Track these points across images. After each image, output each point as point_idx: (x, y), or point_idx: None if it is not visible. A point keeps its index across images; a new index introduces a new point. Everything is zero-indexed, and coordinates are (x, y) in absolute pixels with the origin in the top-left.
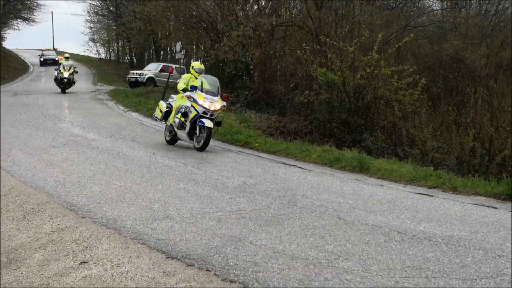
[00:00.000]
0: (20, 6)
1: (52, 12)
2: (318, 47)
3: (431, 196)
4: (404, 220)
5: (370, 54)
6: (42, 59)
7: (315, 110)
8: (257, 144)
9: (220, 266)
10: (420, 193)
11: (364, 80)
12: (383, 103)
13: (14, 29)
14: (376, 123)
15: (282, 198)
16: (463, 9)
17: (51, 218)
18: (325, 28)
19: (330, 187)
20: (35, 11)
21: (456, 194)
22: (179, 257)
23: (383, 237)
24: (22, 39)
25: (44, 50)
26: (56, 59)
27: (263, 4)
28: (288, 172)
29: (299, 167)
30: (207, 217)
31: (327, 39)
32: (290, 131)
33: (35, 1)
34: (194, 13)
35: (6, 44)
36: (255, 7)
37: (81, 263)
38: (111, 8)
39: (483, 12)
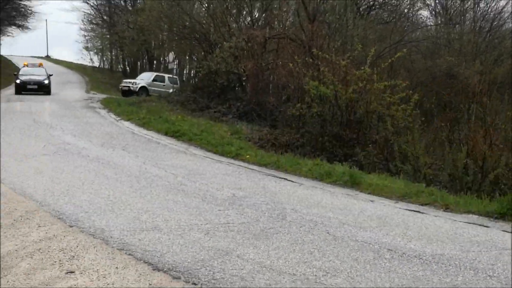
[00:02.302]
0: (15, 13)
1: (46, 20)
2: (311, 60)
3: (423, 213)
4: (394, 237)
5: (363, 68)
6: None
7: (307, 123)
8: (248, 156)
9: (206, 279)
10: (412, 210)
11: (357, 94)
12: (376, 117)
13: (8, 35)
14: (368, 138)
15: (272, 211)
16: (457, 26)
17: (39, 226)
18: (318, 41)
19: (320, 201)
20: (29, 18)
21: (448, 211)
22: (165, 269)
23: (373, 254)
24: (16, 46)
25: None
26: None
27: (256, 16)
28: (279, 185)
29: (289, 180)
30: (195, 229)
31: (320, 52)
32: (282, 143)
33: (29, 9)
34: (187, 24)
35: (0, 51)
36: (248, 19)
37: (67, 273)
38: (105, 17)
39: (477, 29)
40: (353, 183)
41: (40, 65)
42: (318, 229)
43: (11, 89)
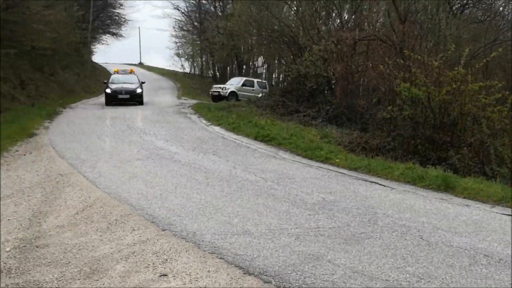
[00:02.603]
0: (109, 21)
1: (139, 28)
2: (402, 61)
3: None
4: (491, 243)
5: (456, 69)
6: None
7: (398, 126)
8: (337, 160)
9: (297, 284)
10: (509, 215)
11: (450, 96)
12: (470, 119)
13: (103, 44)
14: (462, 140)
15: (363, 216)
16: None
17: (133, 230)
18: (409, 42)
19: (412, 205)
20: (123, 26)
21: None
22: (256, 273)
23: (468, 260)
24: (110, 53)
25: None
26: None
27: (345, 18)
28: (369, 189)
29: (380, 185)
30: (285, 234)
31: (411, 53)
32: (372, 147)
33: (123, 17)
34: (276, 27)
35: (95, 59)
36: (338, 21)
37: (160, 276)
38: (195, 24)
39: None
40: (447, 187)
41: (132, 71)
42: (411, 234)
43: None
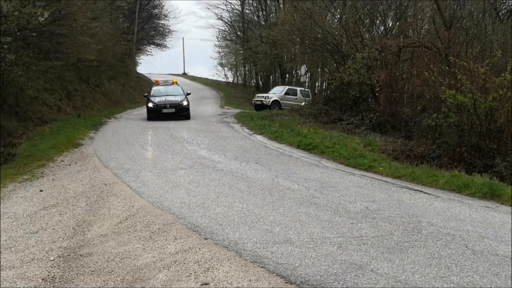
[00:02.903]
0: (153, 32)
1: (183, 38)
2: (447, 68)
3: None
4: None
5: (503, 75)
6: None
7: (443, 134)
8: (381, 168)
9: None
10: None
11: (497, 103)
12: None
13: (147, 55)
14: (509, 148)
15: (406, 224)
16: None
17: (175, 238)
18: (455, 48)
19: (458, 214)
20: (167, 37)
21: None
22: (298, 282)
23: None
24: (155, 64)
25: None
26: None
27: (390, 25)
28: (413, 197)
29: (425, 193)
30: (328, 243)
31: (457, 60)
32: (417, 155)
33: (167, 28)
34: (319, 36)
35: (140, 69)
36: (382, 28)
37: (202, 285)
38: (239, 33)
39: None
40: (493, 195)
41: (174, 82)
42: (456, 243)
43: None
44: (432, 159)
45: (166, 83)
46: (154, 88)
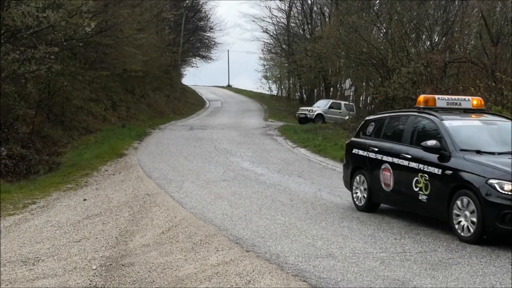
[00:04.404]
0: (199, 44)
1: (228, 50)
2: (494, 84)
3: None
4: None
5: None
6: None
7: None
8: None
9: None
10: None
11: None
12: None
13: (192, 66)
14: None
15: (450, 241)
16: None
17: (217, 250)
18: (501, 64)
19: None
20: (212, 49)
21: None
22: None
23: None
24: (200, 76)
25: None
26: None
27: (436, 40)
28: None
29: None
30: (370, 258)
31: (503, 76)
32: None
33: (213, 40)
34: (364, 49)
35: (185, 81)
36: (428, 43)
37: None
38: (284, 46)
39: None
40: None
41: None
42: (501, 260)
43: (194, 117)
44: None
45: None
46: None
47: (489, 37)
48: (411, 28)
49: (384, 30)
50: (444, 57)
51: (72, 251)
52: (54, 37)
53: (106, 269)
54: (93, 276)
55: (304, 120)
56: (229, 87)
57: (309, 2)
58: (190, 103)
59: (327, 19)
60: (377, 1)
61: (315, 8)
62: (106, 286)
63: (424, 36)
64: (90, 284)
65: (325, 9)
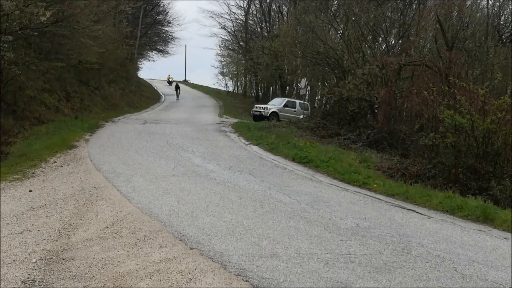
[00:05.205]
0: (156, 38)
1: (186, 45)
2: (447, 88)
3: None
4: None
5: (502, 98)
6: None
7: (440, 154)
8: (375, 185)
9: None
10: None
11: (495, 125)
12: None
13: (149, 60)
14: (505, 171)
15: (396, 244)
16: None
17: (160, 247)
18: (455, 69)
19: (449, 236)
20: (169, 43)
21: None
22: None
23: None
24: (156, 70)
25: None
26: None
27: (392, 42)
28: (406, 217)
29: (418, 213)
30: (315, 259)
31: (457, 81)
32: (412, 174)
33: (170, 34)
34: (321, 49)
35: (141, 74)
36: (384, 45)
37: None
38: (241, 43)
39: None
40: (486, 219)
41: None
42: (445, 265)
43: (149, 111)
44: (427, 178)
45: None
46: None
47: (444, 42)
48: (368, 30)
49: (341, 31)
50: (400, 60)
51: (13, 243)
52: (8, 25)
53: (46, 263)
54: (32, 270)
55: (259, 117)
56: (186, 81)
57: (268, 0)
58: (146, 96)
59: (285, 18)
60: (335, 2)
61: (273, 7)
62: (44, 280)
63: (380, 39)
64: (28, 278)
65: (283, 7)
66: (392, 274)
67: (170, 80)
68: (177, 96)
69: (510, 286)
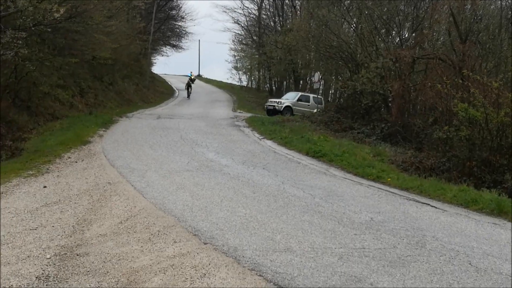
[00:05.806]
0: (170, 33)
1: (199, 40)
2: (461, 81)
3: None
4: None
5: None
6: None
7: (454, 147)
8: (389, 179)
9: None
10: None
11: (509, 118)
12: None
13: (163, 55)
14: None
15: (410, 238)
16: None
17: (174, 242)
18: (469, 62)
19: (463, 229)
20: (183, 39)
21: None
22: None
23: None
24: (169, 65)
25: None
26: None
27: (405, 36)
28: (420, 210)
29: (432, 206)
30: (329, 253)
31: (471, 74)
32: (426, 167)
33: (184, 29)
34: (334, 43)
35: (155, 69)
36: (397, 39)
37: None
38: (254, 38)
39: None
40: (500, 212)
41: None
42: (460, 259)
43: (163, 106)
44: (441, 172)
45: None
46: None
47: (458, 35)
48: (381, 23)
49: (354, 25)
50: (413, 53)
51: (27, 239)
52: (22, 22)
53: (60, 259)
54: (46, 265)
55: (273, 112)
56: (199, 76)
57: None
58: (159, 92)
59: (298, 12)
60: None
61: (286, 1)
62: (58, 276)
63: (394, 32)
64: (43, 274)
65: (296, 1)
66: (406, 268)
67: (193, 78)
68: (188, 95)
69: (510, 286)
